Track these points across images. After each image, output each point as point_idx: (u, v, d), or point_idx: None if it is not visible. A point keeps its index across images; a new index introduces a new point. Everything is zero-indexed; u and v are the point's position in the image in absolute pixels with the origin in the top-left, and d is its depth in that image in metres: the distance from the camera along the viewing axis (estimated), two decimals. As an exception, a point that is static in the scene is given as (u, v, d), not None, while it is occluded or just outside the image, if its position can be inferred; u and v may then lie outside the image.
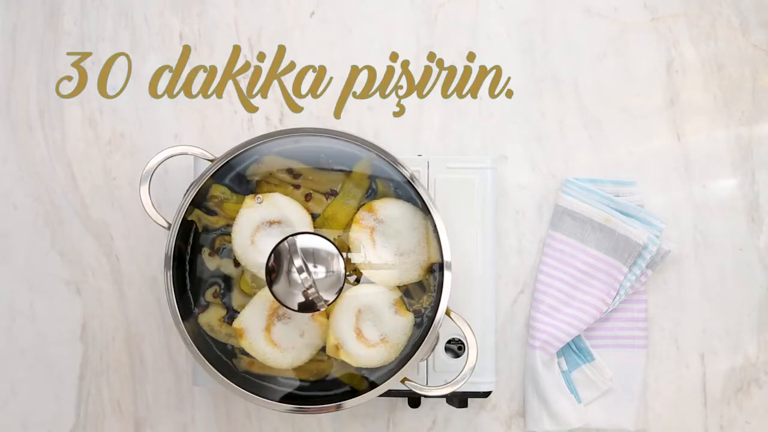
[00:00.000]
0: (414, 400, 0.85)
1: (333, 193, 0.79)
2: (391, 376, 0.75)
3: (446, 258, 0.75)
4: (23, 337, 0.89)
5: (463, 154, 0.89)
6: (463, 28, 0.90)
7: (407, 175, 0.76)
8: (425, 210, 0.77)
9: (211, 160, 0.77)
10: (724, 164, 0.88)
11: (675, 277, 0.88)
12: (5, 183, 0.90)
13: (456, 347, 0.83)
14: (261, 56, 0.90)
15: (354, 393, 0.77)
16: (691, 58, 0.89)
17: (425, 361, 0.83)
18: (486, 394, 0.83)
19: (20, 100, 0.90)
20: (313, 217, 0.79)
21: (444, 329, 0.81)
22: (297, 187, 0.79)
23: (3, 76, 0.90)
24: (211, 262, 0.80)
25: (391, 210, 0.78)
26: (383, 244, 0.78)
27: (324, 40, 0.90)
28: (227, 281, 0.80)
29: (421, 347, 0.76)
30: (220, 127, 0.90)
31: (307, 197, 0.79)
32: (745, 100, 0.89)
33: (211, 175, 0.77)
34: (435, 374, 0.83)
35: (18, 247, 0.89)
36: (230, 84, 0.90)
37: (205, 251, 0.80)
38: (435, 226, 0.76)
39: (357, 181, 0.80)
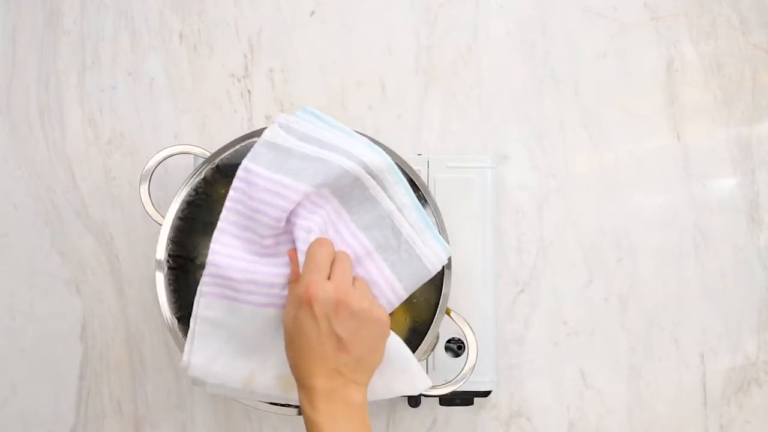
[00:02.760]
0: (414, 400, 0.85)
1: None
2: None
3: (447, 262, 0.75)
4: (23, 336, 0.89)
5: (463, 153, 0.89)
6: (463, 27, 0.90)
7: (408, 174, 0.76)
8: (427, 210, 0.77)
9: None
10: (724, 164, 0.88)
11: (675, 277, 0.88)
12: (5, 183, 0.90)
13: (456, 347, 0.83)
14: (261, 56, 0.90)
15: None
16: (691, 58, 0.89)
17: (425, 361, 0.83)
18: (486, 394, 0.83)
19: (20, 100, 0.90)
20: None
21: (444, 329, 0.81)
22: None
23: (3, 76, 0.90)
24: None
25: None
26: None
27: (324, 40, 0.90)
28: None
29: (420, 347, 0.76)
30: (220, 127, 0.90)
31: None
32: (745, 99, 0.89)
33: (207, 172, 0.77)
34: (435, 374, 0.82)
35: (18, 247, 0.89)
36: (230, 84, 0.90)
37: (201, 247, 0.80)
38: (436, 225, 0.76)
39: None
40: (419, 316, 0.79)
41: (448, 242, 0.76)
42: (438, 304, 0.77)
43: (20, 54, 0.90)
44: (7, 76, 0.90)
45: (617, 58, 0.89)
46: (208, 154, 0.77)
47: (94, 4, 0.91)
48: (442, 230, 0.76)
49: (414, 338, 0.79)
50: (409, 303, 0.78)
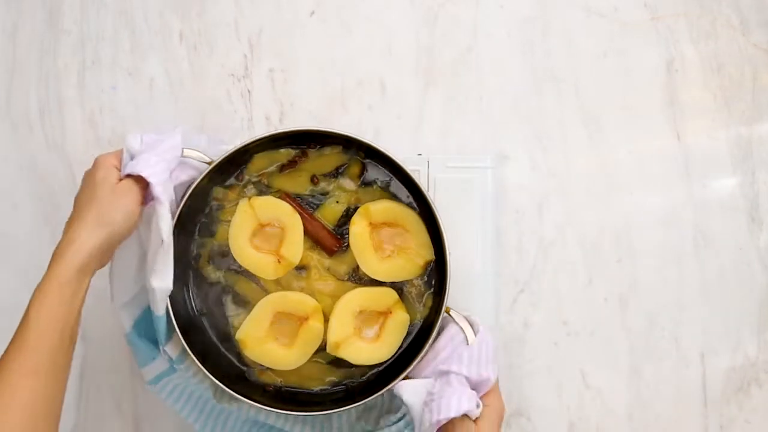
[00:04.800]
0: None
1: (336, 173, 0.79)
2: (393, 376, 0.75)
3: (446, 257, 0.75)
4: (23, 336, 0.89)
5: (463, 153, 0.89)
6: (463, 27, 0.90)
7: (407, 174, 0.76)
8: (425, 209, 0.77)
9: (209, 163, 0.77)
10: (724, 164, 0.88)
11: (675, 277, 0.88)
12: (5, 183, 0.90)
13: (456, 346, 0.83)
14: (261, 56, 0.90)
15: (356, 393, 0.77)
16: (691, 58, 0.89)
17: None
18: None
19: (20, 100, 0.90)
20: (311, 211, 0.79)
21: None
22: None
23: (3, 75, 0.90)
24: (211, 266, 0.80)
25: (389, 209, 0.78)
26: (382, 243, 0.78)
27: (324, 40, 0.90)
28: (228, 285, 0.80)
29: (424, 348, 0.75)
30: (220, 127, 0.90)
31: (314, 180, 0.79)
32: (745, 99, 0.89)
33: (210, 178, 0.77)
34: (435, 374, 0.82)
35: (18, 247, 0.89)
36: (230, 84, 0.90)
37: (205, 254, 0.80)
38: (434, 225, 0.76)
39: (355, 181, 0.80)
40: (419, 315, 0.79)
41: (445, 243, 0.75)
42: (438, 302, 0.77)
43: (20, 54, 0.90)
44: (7, 75, 0.90)
45: (617, 58, 0.89)
46: (206, 158, 0.77)
47: (94, 4, 0.91)
48: (439, 234, 0.76)
49: (415, 338, 0.79)
50: (409, 303, 0.78)
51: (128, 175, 0.72)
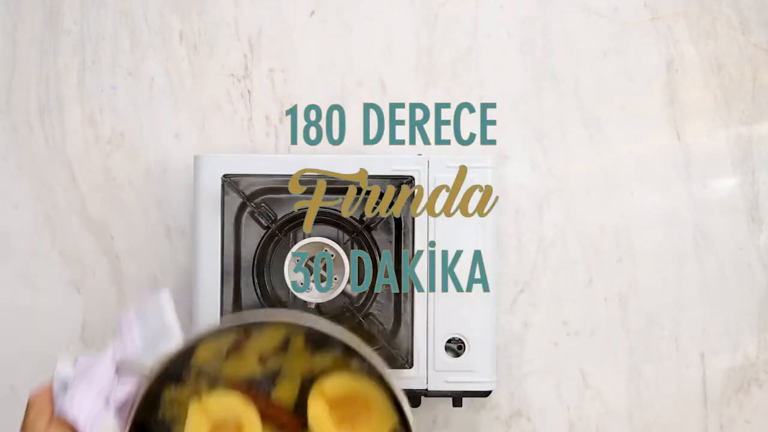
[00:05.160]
0: (414, 399, 0.85)
1: (285, 346, 0.72)
2: None
3: (408, 420, 0.68)
4: (23, 337, 0.89)
5: (463, 153, 0.89)
6: (463, 27, 0.90)
7: (351, 348, 0.70)
8: (382, 381, 0.70)
9: (149, 374, 0.69)
10: (724, 163, 0.88)
11: (675, 277, 0.88)
12: (5, 183, 0.90)
13: (456, 346, 0.83)
14: (261, 56, 0.90)
15: None
16: (691, 58, 0.89)
17: (425, 361, 0.82)
18: (486, 394, 0.83)
19: (20, 100, 0.90)
20: (267, 393, 0.73)
21: (443, 329, 0.81)
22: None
23: (3, 75, 0.90)
24: None
25: (345, 386, 0.71)
26: (343, 418, 0.74)
27: (324, 40, 0.90)
28: None
29: None
30: (220, 127, 0.90)
31: (262, 359, 0.73)
32: (745, 99, 0.89)
33: (154, 384, 0.69)
34: (435, 374, 0.82)
35: (18, 247, 0.89)
36: (230, 84, 0.90)
37: None
38: (394, 396, 0.69)
39: (302, 352, 0.72)
40: None
41: (406, 410, 0.69)
42: None
43: (20, 54, 0.90)
44: (7, 75, 0.90)
45: (617, 58, 0.89)
46: (146, 370, 0.69)
47: (94, 4, 0.90)
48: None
49: None
50: None
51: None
